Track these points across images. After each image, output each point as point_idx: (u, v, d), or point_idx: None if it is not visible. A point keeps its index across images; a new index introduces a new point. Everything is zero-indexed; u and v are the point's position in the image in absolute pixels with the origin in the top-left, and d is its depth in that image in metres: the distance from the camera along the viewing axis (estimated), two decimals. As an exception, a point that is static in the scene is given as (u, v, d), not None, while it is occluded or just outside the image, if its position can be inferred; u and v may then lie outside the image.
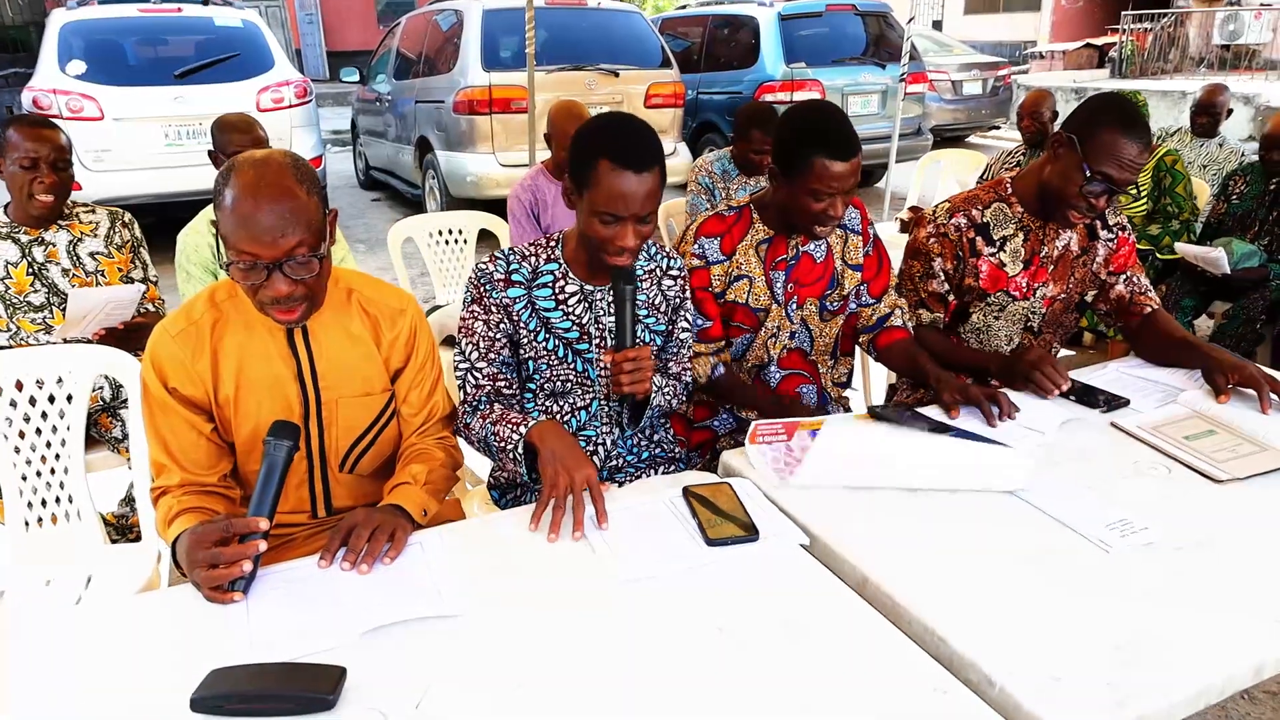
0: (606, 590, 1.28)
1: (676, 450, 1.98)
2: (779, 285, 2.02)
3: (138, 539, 2.19)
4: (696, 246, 1.99)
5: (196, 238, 2.72)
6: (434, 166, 6.80)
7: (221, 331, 1.48)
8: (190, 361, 1.45)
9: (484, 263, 1.73)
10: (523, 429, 1.56)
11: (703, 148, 7.61)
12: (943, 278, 2.12)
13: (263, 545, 1.25)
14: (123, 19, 6.32)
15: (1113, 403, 1.83)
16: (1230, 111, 4.70)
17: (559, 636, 1.18)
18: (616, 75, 6.61)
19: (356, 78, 8.38)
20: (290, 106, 6.38)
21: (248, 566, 1.23)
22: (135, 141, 5.93)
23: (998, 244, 2.07)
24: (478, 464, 2.39)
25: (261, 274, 1.34)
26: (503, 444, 1.59)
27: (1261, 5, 13.72)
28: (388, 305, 1.61)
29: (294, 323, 1.44)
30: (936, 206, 2.16)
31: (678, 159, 6.82)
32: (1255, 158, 3.74)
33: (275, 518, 1.56)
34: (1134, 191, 3.94)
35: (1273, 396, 1.77)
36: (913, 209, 4.67)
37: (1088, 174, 1.85)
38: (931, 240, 2.11)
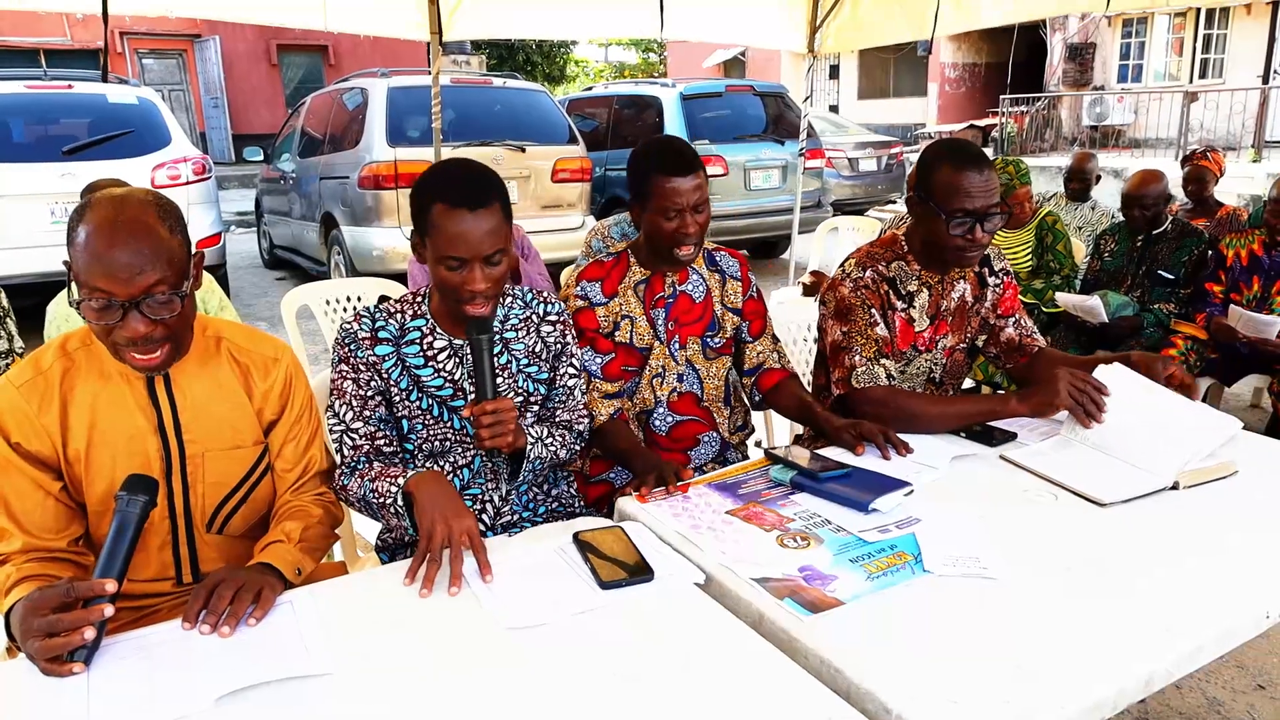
0: (492, 641, 1.20)
1: (577, 505, 1.92)
2: (660, 323, 2.05)
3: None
4: (579, 289, 2.03)
5: (69, 307, 2.57)
6: (339, 242, 6.70)
7: (72, 381, 1.38)
8: (36, 414, 1.34)
9: (348, 322, 1.67)
10: (401, 480, 1.49)
11: (612, 223, 7.71)
12: (883, 324, 2.04)
13: (109, 610, 1.14)
14: (7, 95, 6.11)
15: (1002, 437, 1.87)
16: (1099, 178, 5.03)
17: (440, 693, 1.10)
18: (523, 151, 6.68)
19: (260, 157, 8.28)
20: (188, 183, 6.22)
21: (90, 634, 1.11)
22: (17, 219, 5.70)
23: (907, 299, 2.09)
24: (367, 528, 2.28)
25: (116, 313, 1.26)
26: (382, 499, 1.52)
27: (1124, 90, 14.95)
28: (260, 354, 1.53)
29: (154, 369, 1.35)
30: (844, 263, 2.12)
31: (585, 232, 6.87)
32: (1122, 217, 3.99)
33: (136, 586, 1.45)
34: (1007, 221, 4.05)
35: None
36: (814, 273, 4.79)
37: (946, 217, 1.90)
38: (859, 292, 2.03)
